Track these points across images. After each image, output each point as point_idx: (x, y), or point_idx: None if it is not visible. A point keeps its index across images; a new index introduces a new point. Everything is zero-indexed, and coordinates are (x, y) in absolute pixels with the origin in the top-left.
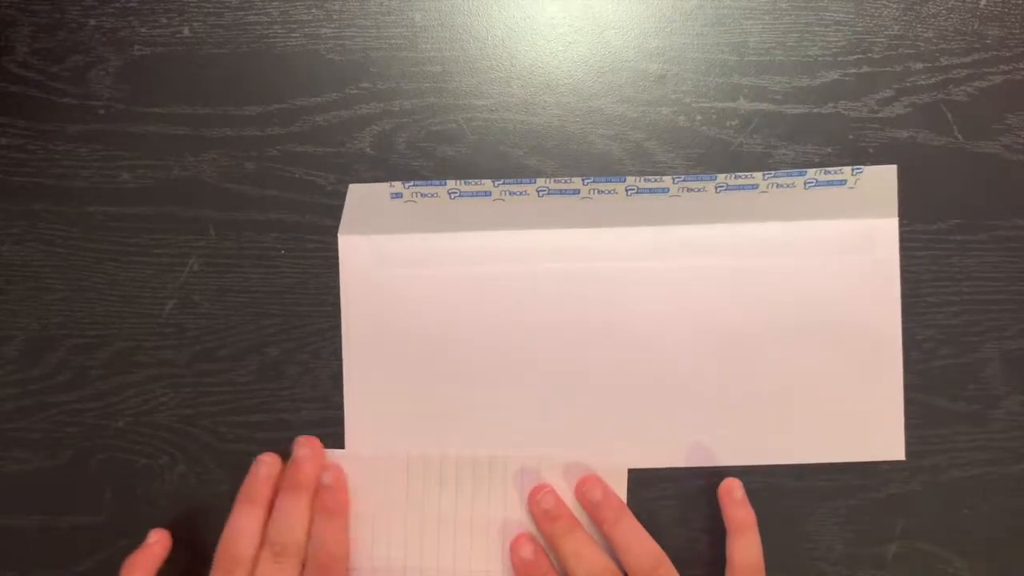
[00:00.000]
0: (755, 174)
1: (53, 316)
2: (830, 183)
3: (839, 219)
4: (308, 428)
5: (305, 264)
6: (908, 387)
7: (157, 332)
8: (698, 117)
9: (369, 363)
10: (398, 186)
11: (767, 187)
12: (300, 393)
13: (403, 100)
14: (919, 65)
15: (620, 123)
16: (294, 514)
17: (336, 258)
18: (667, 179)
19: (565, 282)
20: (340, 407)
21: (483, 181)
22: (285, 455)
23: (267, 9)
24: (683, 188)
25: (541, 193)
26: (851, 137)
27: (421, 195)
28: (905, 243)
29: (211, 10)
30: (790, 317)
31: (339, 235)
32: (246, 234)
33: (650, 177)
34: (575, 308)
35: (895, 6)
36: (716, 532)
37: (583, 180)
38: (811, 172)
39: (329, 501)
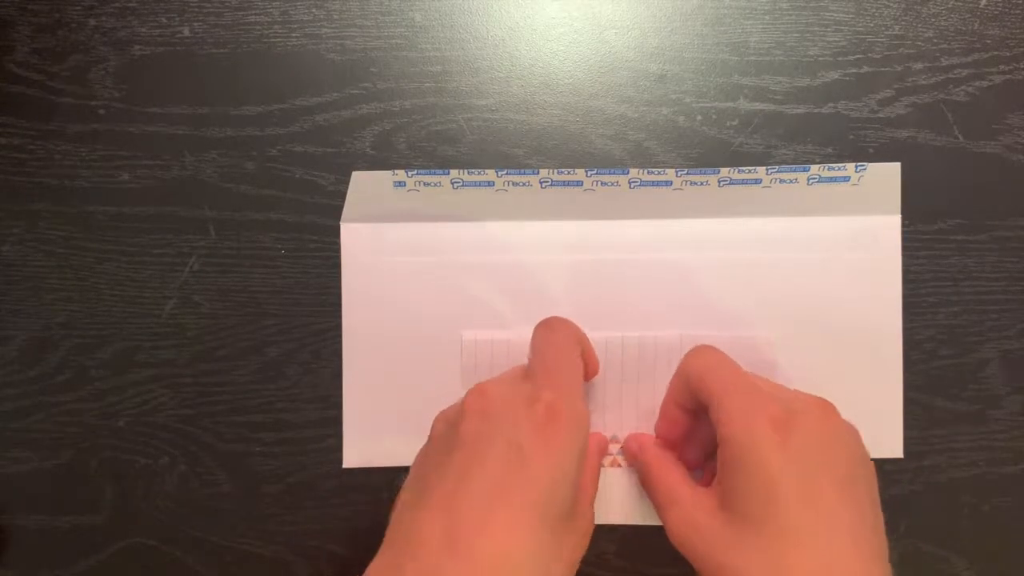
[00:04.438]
0: (758, 169)
1: (53, 316)
2: (833, 179)
3: (841, 215)
4: (308, 428)
5: (305, 264)
6: (908, 387)
7: (157, 332)
8: (698, 117)
9: (369, 357)
10: (401, 174)
11: (770, 182)
12: (300, 393)
13: (403, 100)
14: (919, 65)
15: (620, 123)
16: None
17: (337, 258)
18: (670, 172)
19: (566, 273)
20: (340, 407)
21: (486, 171)
22: (285, 455)
23: (267, 9)
24: (686, 181)
25: (544, 184)
26: (851, 137)
27: (424, 184)
28: (905, 243)
29: (211, 10)
30: (791, 312)
31: (341, 222)
32: (246, 234)
33: (653, 170)
34: (576, 300)
35: (895, 6)
36: None
37: (586, 172)
38: (815, 168)
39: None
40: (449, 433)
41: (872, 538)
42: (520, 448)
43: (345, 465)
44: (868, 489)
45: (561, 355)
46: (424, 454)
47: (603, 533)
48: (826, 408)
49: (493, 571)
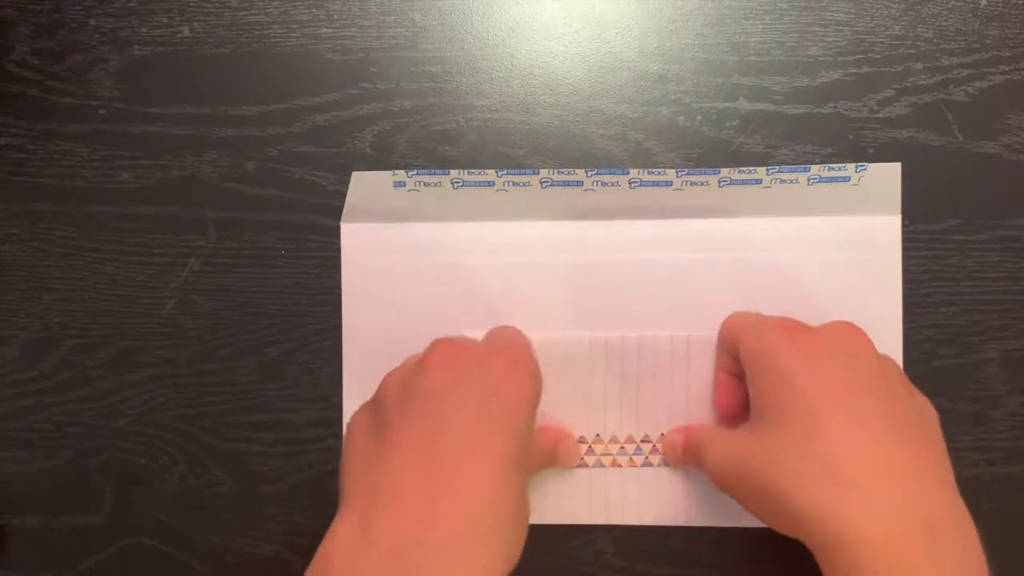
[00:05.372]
0: (759, 169)
1: (53, 316)
2: (833, 179)
3: (842, 215)
4: (308, 428)
5: (305, 264)
6: None
7: (157, 332)
8: (698, 117)
9: (369, 357)
10: (401, 174)
11: (770, 182)
12: (300, 393)
13: (403, 100)
14: (919, 65)
15: (620, 123)
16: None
17: (337, 258)
18: (670, 172)
19: (566, 274)
20: (340, 407)
21: (486, 171)
22: (285, 455)
23: (267, 9)
24: (686, 181)
25: (544, 184)
26: (851, 137)
27: (424, 184)
28: (905, 243)
29: (211, 10)
30: (791, 312)
31: (341, 223)
32: (246, 234)
33: (653, 170)
34: (576, 300)
35: (895, 6)
36: (715, 530)
37: (586, 172)
38: (815, 168)
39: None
40: (408, 387)
41: (912, 423)
42: (495, 391)
43: None
44: (907, 394)
45: (513, 335)
46: (376, 411)
47: (603, 533)
48: (853, 327)
49: (482, 514)
